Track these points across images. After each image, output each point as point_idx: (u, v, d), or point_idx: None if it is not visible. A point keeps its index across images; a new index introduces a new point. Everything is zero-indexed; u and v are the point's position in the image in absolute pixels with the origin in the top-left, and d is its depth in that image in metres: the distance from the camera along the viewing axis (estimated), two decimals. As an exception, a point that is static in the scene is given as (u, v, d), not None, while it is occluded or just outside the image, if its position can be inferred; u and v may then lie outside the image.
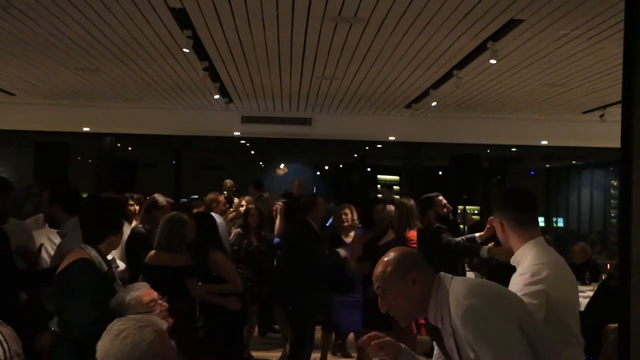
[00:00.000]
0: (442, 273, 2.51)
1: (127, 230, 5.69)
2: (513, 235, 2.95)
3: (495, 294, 2.46)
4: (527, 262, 2.87)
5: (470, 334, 2.31)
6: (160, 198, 6.05)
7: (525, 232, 2.94)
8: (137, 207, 6.60)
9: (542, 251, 2.89)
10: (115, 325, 2.11)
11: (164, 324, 2.21)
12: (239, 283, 5.40)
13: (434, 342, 2.59)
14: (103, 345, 2.07)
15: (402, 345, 2.58)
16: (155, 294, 3.44)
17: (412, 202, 6.31)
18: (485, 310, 2.33)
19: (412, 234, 6.13)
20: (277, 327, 8.24)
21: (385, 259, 2.53)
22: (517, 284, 2.82)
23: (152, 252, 5.04)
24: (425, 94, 9.24)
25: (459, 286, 2.42)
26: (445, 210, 6.77)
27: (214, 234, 5.40)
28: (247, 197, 8.25)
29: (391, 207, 6.65)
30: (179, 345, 3.46)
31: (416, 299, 2.47)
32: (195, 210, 6.59)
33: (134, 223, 6.27)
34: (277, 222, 7.62)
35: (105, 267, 3.50)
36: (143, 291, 3.43)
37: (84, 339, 3.33)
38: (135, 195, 6.96)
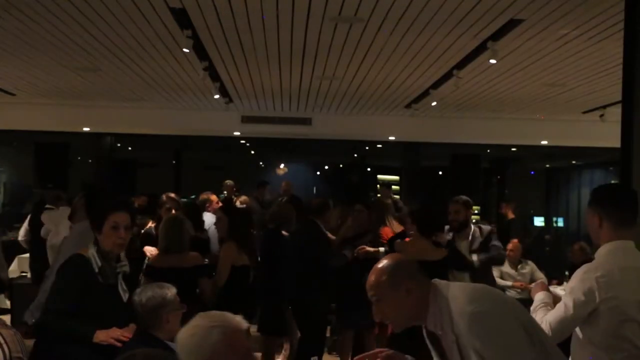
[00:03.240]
0: (436, 280, 2.46)
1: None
2: (605, 232, 2.89)
3: (497, 298, 2.44)
4: (596, 259, 2.88)
5: (479, 340, 2.27)
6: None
7: (614, 231, 2.88)
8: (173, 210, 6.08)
9: (616, 253, 2.84)
10: (194, 320, 2.02)
11: (242, 325, 2.03)
12: None
13: (432, 350, 2.53)
14: (179, 336, 2.00)
15: (409, 357, 2.55)
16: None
17: (389, 201, 7.02)
18: (491, 315, 2.31)
19: (386, 231, 6.57)
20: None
21: (379, 266, 2.47)
22: (574, 276, 2.84)
23: (157, 254, 5.04)
24: (425, 94, 9.23)
25: (459, 292, 2.38)
26: (450, 219, 6.04)
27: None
28: (242, 197, 8.24)
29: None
30: None
31: (410, 308, 2.41)
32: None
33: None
34: None
35: (99, 266, 3.48)
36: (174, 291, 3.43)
37: (41, 324, 3.50)
38: (172, 195, 6.37)
